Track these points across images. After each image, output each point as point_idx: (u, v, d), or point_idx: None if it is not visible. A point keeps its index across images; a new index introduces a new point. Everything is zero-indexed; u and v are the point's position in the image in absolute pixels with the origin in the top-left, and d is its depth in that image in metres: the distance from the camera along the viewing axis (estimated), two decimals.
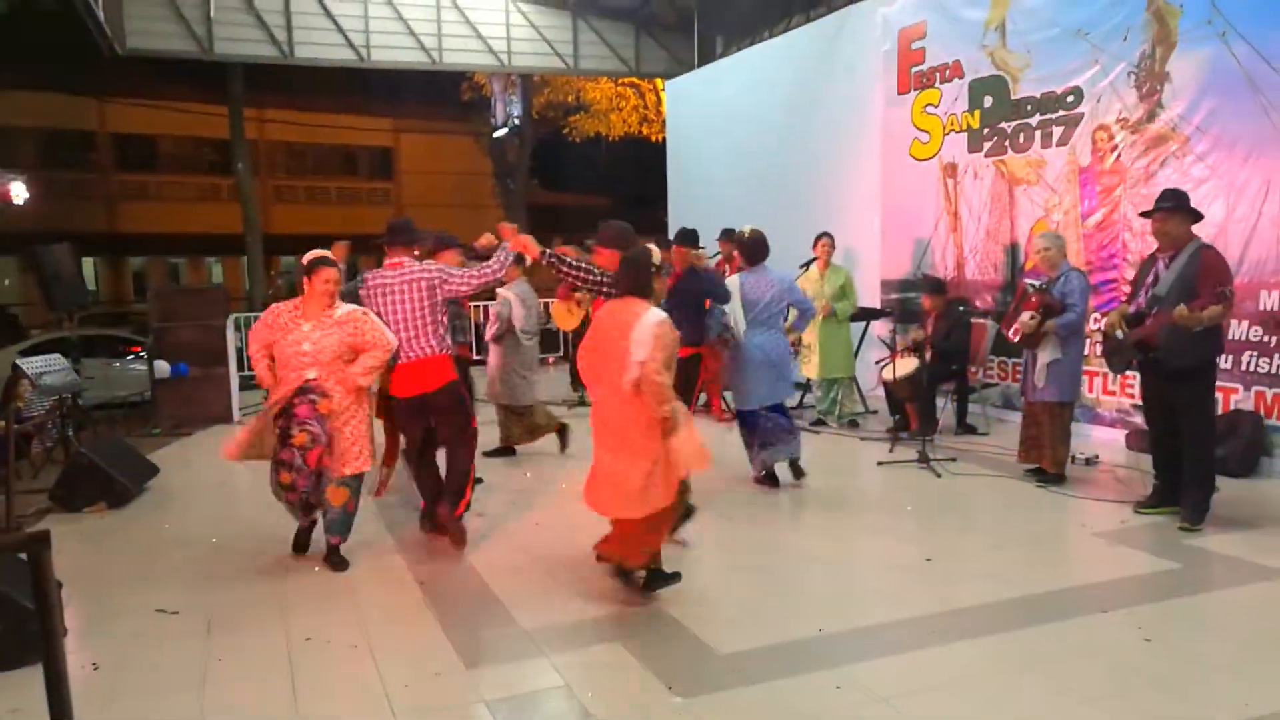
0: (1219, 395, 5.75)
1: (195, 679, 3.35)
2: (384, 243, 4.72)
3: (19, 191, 13.92)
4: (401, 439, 4.90)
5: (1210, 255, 4.65)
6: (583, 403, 9.29)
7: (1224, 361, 5.83)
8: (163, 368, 8.64)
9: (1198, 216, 4.80)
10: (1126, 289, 6.37)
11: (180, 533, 5.21)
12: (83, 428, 7.79)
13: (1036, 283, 5.56)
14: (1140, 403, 5.72)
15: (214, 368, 8.75)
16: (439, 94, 22.59)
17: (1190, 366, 4.66)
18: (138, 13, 11.62)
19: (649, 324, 3.72)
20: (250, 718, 3.09)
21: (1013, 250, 7.75)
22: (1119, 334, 4.85)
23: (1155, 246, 4.93)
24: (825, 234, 7.78)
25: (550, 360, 12.24)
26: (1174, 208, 4.74)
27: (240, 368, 8.99)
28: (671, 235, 7.81)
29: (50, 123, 24.14)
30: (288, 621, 3.84)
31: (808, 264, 7.83)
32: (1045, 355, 5.50)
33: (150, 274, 27.94)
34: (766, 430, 5.66)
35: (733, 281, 5.72)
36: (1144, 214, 5.02)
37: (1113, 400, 6.87)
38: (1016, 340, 5.61)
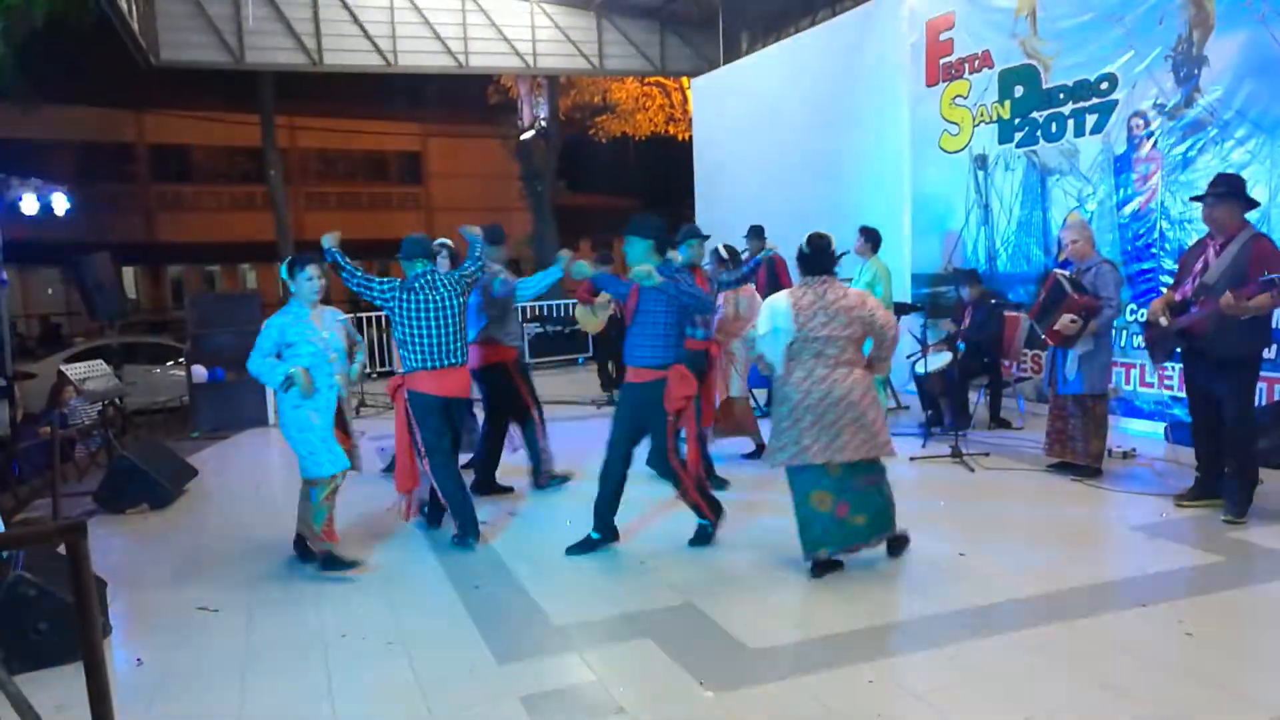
0: (1262, 385, 5.62)
1: (235, 675, 3.41)
2: None
3: (60, 203, 14.24)
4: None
5: (1264, 244, 4.50)
6: (611, 402, 9.30)
7: (1269, 351, 5.71)
8: (200, 373, 8.81)
9: (1252, 204, 4.67)
10: (1165, 279, 6.26)
11: (218, 533, 5.31)
12: (124, 432, 7.97)
13: (1066, 273, 5.47)
14: (1180, 394, 5.61)
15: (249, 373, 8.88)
16: (466, 98, 22.76)
17: (1236, 357, 4.55)
18: (171, 25, 11.83)
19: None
20: (287, 714, 3.14)
21: (1045, 241, 7.64)
22: (1162, 321, 4.73)
23: (1193, 235, 4.82)
24: (860, 229, 7.62)
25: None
26: (1226, 193, 4.60)
27: None
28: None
29: (89, 136, 24.65)
30: (324, 618, 3.90)
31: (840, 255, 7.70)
32: (1078, 348, 5.40)
33: (187, 282, 28.47)
34: None
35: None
36: (1195, 198, 4.90)
37: (1151, 392, 6.75)
38: (1055, 344, 5.50)
